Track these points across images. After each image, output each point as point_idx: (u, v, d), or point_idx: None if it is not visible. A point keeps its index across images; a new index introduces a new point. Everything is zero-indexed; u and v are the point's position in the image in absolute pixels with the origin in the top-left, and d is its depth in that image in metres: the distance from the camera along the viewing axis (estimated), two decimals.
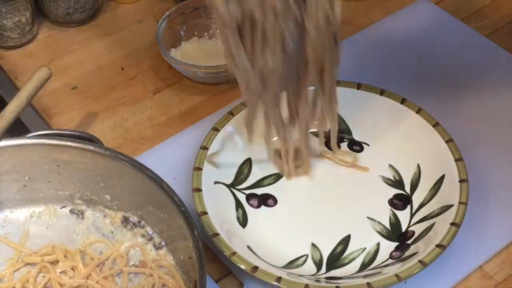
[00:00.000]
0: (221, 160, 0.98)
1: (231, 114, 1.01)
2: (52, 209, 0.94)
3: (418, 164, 0.98)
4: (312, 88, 0.92)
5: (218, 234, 0.89)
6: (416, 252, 0.88)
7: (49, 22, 1.23)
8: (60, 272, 0.88)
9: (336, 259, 0.91)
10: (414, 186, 0.97)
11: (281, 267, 0.90)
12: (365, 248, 0.92)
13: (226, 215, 0.94)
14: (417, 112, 1.00)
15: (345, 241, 0.93)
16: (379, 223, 0.94)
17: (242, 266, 0.86)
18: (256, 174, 1.00)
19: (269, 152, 0.98)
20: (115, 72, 1.16)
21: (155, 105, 1.11)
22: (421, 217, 0.94)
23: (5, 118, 0.90)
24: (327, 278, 0.89)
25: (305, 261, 0.91)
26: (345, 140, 1.03)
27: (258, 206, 0.97)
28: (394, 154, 1.00)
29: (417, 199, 0.96)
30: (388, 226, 0.94)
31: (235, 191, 0.98)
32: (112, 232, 0.93)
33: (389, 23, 1.19)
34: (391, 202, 0.97)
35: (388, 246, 0.92)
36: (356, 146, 1.03)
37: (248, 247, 0.91)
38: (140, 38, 1.20)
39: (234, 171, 0.99)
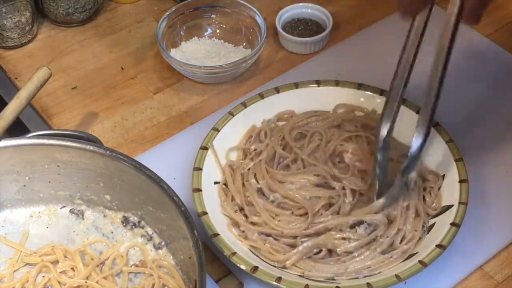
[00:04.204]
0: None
1: (231, 114, 1.01)
2: (52, 209, 0.94)
3: None
4: None
5: (218, 234, 0.89)
6: (416, 252, 0.88)
7: (49, 22, 1.23)
8: (60, 272, 0.88)
9: None
10: None
11: (281, 267, 0.90)
12: None
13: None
14: (417, 112, 1.00)
15: None
16: None
17: (242, 266, 0.86)
18: None
19: None
20: (115, 72, 1.16)
21: (155, 105, 1.11)
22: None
23: (5, 118, 0.90)
24: (327, 278, 0.89)
25: None
26: None
27: None
28: None
29: None
30: None
31: None
32: (112, 232, 0.93)
33: (389, 23, 1.19)
34: None
35: None
36: None
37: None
38: (140, 38, 1.20)
39: None
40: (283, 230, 0.90)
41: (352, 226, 0.90)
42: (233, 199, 0.94)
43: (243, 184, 0.95)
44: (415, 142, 0.87)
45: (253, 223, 0.91)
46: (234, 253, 0.87)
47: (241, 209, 0.93)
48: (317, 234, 0.90)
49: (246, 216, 0.93)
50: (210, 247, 0.93)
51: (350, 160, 0.95)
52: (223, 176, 0.97)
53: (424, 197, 0.93)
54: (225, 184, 0.96)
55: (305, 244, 0.89)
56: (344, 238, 0.89)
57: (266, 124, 1.01)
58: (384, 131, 0.88)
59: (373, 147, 0.95)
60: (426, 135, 0.87)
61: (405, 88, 0.89)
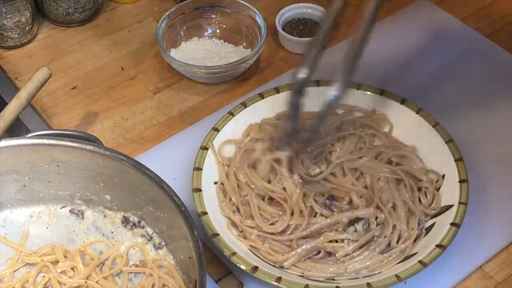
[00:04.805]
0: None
1: (231, 114, 1.01)
2: (52, 209, 0.94)
3: None
4: None
5: (218, 234, 0.89)
6: (416, 252, 0.88)
7: (49, 22, 1.23)
8: (60, 272, 0.88)
9: None
10: None
11: (280, 267, 0.90)
12: None
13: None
14: (417, 112, 1.00)
15: None
16: None
17: (242, 266, 0.86)
18: None
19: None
20: (115, 72, 1.16)
21: (155, 105, 1.11)
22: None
23: (5, 118, 0.90)
24: (327, 278, 0.89)
25: None
26: None
27: None
28: None
29: None
30: None
31: None
32: (112, 232, 0.93)
33: (389, 23, 1.19)
34: None
35: None
36: None
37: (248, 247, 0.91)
38: (140, 38, 1.20)
39: None
40: (276, 237, 0.90)
41: (348, 225, 0.90)
42: (231, 199, 0.94)
43: (238, 186, 0.95)
44: (332, 91, 0.86)
45: (248, 226, 0.91)
46: (234, 253, 0.87)
47: (239, 209, 0.93)
48: (313, 235, 0.90)
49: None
50: (210, 247, 0.93)
51: (337, 159, 0.96)
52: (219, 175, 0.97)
53: (419, 198, 0.94)
54: (223, 184, 0.96)
55: (303, 247, 0.89)
56: (342, 240, 0.89)
57: (265, 122, 1.01)
58: (300, 75, 0.87)
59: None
60: (344, 86, 0.87)
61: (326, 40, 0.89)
